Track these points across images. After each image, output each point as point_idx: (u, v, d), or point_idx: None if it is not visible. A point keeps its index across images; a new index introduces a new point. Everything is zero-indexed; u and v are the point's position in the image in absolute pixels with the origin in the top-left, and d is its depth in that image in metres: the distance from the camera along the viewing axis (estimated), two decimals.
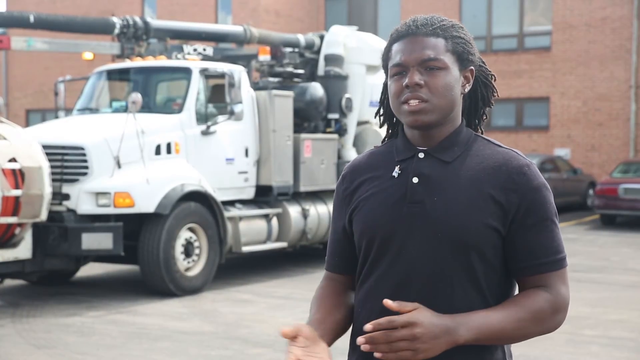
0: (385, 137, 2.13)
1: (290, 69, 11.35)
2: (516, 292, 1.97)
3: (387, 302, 1.79)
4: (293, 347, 1.80)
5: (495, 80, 2.09)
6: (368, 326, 1.76)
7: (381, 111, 2.12)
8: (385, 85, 2.05)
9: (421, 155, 1.94)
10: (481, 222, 1.86)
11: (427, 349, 1.76)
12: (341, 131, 11.42)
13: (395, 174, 1.95)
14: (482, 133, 2.09)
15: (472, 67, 1.97)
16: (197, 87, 9.73)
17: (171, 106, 9.85)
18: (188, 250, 9.17)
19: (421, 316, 1.76)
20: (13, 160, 8.15)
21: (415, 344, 1.75)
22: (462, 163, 1.93)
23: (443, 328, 1.77)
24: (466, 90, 1.97)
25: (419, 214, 1.89)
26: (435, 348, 1.77)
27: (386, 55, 1.98)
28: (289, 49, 11.70)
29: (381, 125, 2.14)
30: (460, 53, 1.93)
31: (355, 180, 2.03)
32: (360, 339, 1.77)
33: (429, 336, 1.75)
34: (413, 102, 1.88)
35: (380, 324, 1.75)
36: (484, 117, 2.10)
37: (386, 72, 1.99)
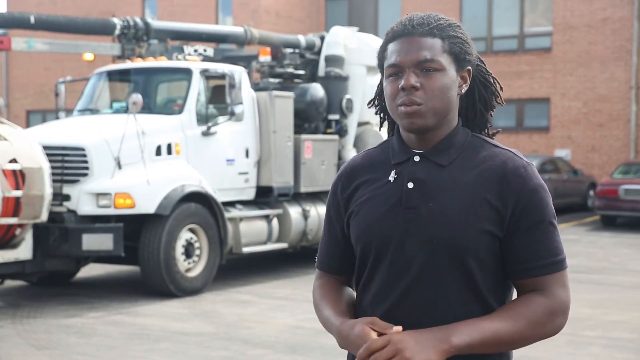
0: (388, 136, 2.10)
1: (290, 69, 11.35)
2: (515, 295, 1.93)
3: (377, 321, 1.80)
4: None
5: (496, 81, 2.03)
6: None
7: (375, 110, 2.09)
8: (380, 84, 2.02)
9: (416, 158, 1.91)
10: (477, 227, 1.83)
11: (418, 358, 1.72)
12: (342, 132, 11.42)
13: (391, 178, 1.92)
14: (490, 137, 2.03)
15: (469, 67, 1.93)
16: (197, 88, 9.73)
17: (172, 107, 9.85)
18: (188, 251, 9.17)
19: (399, 335, 1.76)
20: (13, 161, 8.16)
21: (404, 355, 1.72)
22: (458, 166, 1.89)
23: (429, 336, 1.76)
24: (463, 91, 1.93)
25: (414, 220, 1.86)
26: (428, 358, 1.73)
27: (381, 54, 1.94)
28: (289, 50, 11.70)
29: (381, 123, 2.11)
30: (457, 53, 1.89)
31: (352, 182, 2.00)
32: None
33: (414, 345, 1.73)
34: (409, 104, 1.85)
35: (360, 355, 1.75)
36: (489, 123, 2.04)
37: (382, 72, 1.95)
